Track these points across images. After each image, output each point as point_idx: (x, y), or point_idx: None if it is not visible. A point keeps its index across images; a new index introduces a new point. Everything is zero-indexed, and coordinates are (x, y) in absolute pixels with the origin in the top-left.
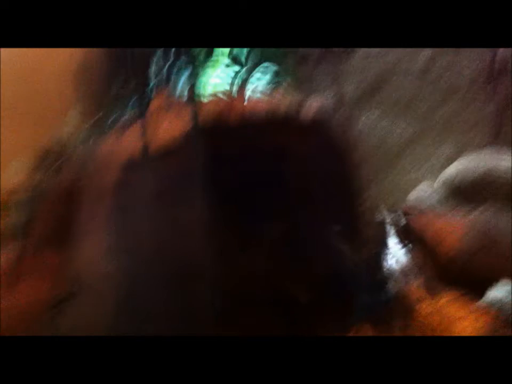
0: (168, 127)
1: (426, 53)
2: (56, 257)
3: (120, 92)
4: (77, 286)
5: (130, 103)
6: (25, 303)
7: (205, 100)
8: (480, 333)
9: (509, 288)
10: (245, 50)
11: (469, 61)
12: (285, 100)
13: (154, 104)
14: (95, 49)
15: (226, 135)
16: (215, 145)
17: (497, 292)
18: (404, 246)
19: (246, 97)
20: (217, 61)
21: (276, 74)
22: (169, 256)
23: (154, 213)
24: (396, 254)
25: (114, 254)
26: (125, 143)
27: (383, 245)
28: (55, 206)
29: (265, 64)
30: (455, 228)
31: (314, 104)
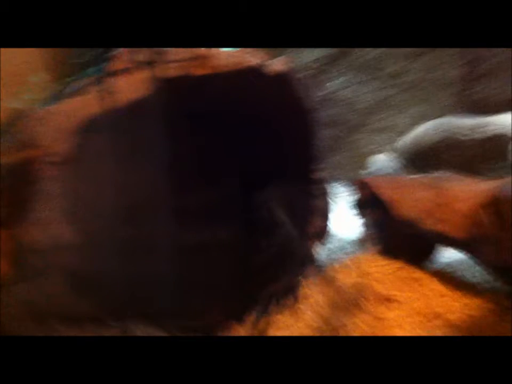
0: (129, 86)
1: None
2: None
3: (80, 57)
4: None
5: (90, 66)
6: None
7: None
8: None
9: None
10: None
11: None
12: (251, 56)
13: (114, 65)
14: None
15: (192, 88)
16: (180, 98)
17: (449, 255)
18: (360, 213)
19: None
20: None
21: None
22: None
23: (116, 175)
24: (351, 223)
25: (75, 220)
26: (84, 106)
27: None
28: (14, 178)
29: None
30: (410, 186)
31: (279, 62)
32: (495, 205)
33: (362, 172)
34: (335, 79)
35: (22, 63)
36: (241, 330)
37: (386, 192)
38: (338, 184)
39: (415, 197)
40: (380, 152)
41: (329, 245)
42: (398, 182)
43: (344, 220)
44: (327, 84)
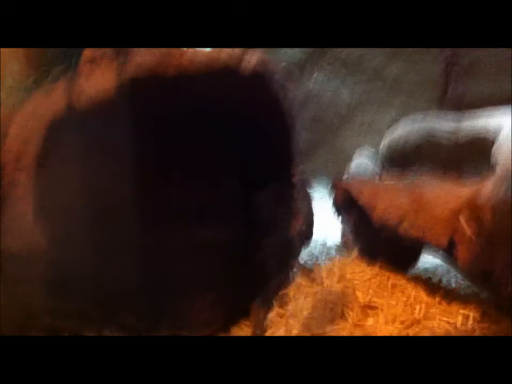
0: (99, 81)
1: None
2: None
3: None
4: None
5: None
6: None
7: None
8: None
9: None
10: None
11: None
12: (224, 52)
13: (84, 58)
14: None
15: (162, 86)
16: (150, 96)
17: (428, 259)
18: (340, 216)
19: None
20: None
21: None
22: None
23: (84, 174)
24: (334, 225)
25: (43, 221)
26: (51, 102)
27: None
28: None
29: None
30: (388, 191)
31: (254, 58)
32: (473, 210)
33: (344, 173)
34: (317, 76)
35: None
36: (238, 330)
37: (364, 197)
38: (322, 184)
39: (393, 202)
40: (362, 151)
41: (312, 248)
42: (375, 186)
43: (327, 223)
44: (309, 81)
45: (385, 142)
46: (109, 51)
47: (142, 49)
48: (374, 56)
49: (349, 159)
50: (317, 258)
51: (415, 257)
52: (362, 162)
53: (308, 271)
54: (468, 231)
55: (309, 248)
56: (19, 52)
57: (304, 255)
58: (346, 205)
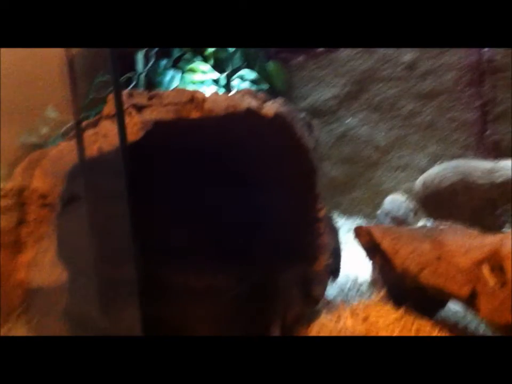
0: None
1: (407, 57)
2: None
3: (97, 95)
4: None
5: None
6: None
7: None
8: None
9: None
10: (226, 55)
11: (451, 64)
12: (246, 97)
13: (108, 108)
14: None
15: (186, 131)
16: (174, 140)
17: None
18: (367, 257)
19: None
20: (196, 67)
21: (255, 81)
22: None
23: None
24: (358, 265)
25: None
26: (75, 148)
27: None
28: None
29: (244, 71)
30: (411, 237)
31: (276, 104)
32: (496, 260)
33: (379, 209)
34: (353, 116)
35: (38, 97)
36: None
37: (386, 242)
38: (355, 221)
39: (414, 249)
40: (397, 190)
41: (342, 284)
42: (398, 231)
43: (360, 258)
44: (345, 121)
45: (420, 179)
46: (136, 95)
47: (170, 92)
48: (407, 102)
49: (382, 196)
50: (347, 294)
51: (442, 303)
52: (396, 198)
53: (333, 308)
54: (491, 282)
55: (339, 284)
56: (58, 94)
57: (333, 290)
58: (371, 248)
